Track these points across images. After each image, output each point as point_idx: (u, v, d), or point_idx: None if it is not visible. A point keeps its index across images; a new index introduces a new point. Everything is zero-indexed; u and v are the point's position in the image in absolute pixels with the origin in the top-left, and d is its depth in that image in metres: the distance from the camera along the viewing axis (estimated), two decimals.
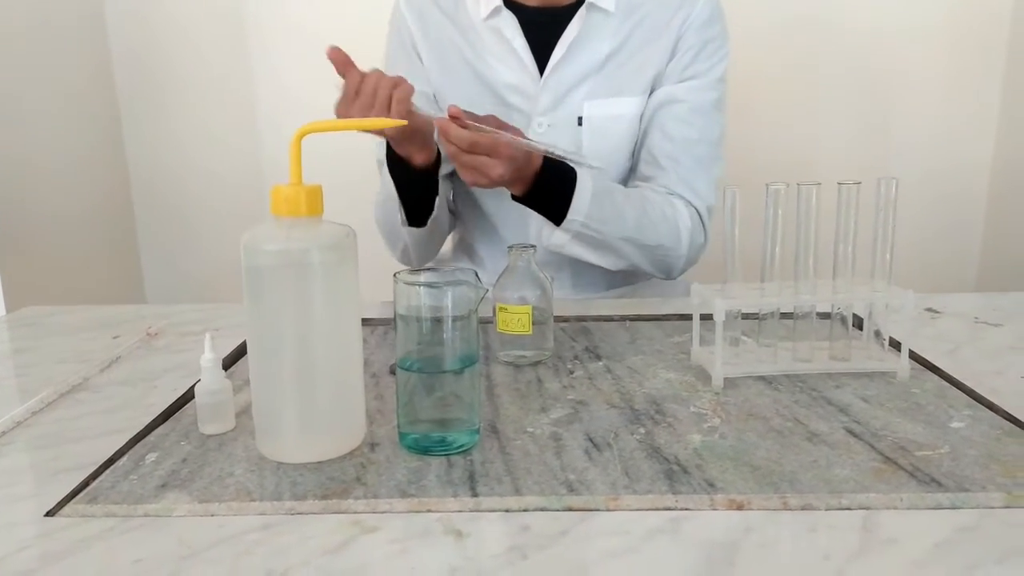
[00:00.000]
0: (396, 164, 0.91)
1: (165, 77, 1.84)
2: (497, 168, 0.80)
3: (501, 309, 0.75)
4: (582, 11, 0.99)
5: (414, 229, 0.98)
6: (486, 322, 0.86)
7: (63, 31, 1.67)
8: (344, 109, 0.82)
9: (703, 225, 1.01)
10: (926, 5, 1.79)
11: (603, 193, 0.91)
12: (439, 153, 0.91)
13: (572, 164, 0.87)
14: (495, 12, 1.00)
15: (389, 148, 0.90)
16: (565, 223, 0.89)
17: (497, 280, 0.76)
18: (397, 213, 0.97)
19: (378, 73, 0.81)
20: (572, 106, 1.01)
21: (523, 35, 1.00)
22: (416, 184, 0.94)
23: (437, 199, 0.96)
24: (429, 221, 0.97)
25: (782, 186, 0.68)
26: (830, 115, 1.84)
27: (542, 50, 1.00)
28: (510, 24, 1.00)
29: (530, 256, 0.76)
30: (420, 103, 0.85)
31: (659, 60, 1.01)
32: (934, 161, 1.87)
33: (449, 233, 1.09)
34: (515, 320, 0.74)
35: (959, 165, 1.88)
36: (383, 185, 0.98)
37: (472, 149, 0.79)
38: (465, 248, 1.16)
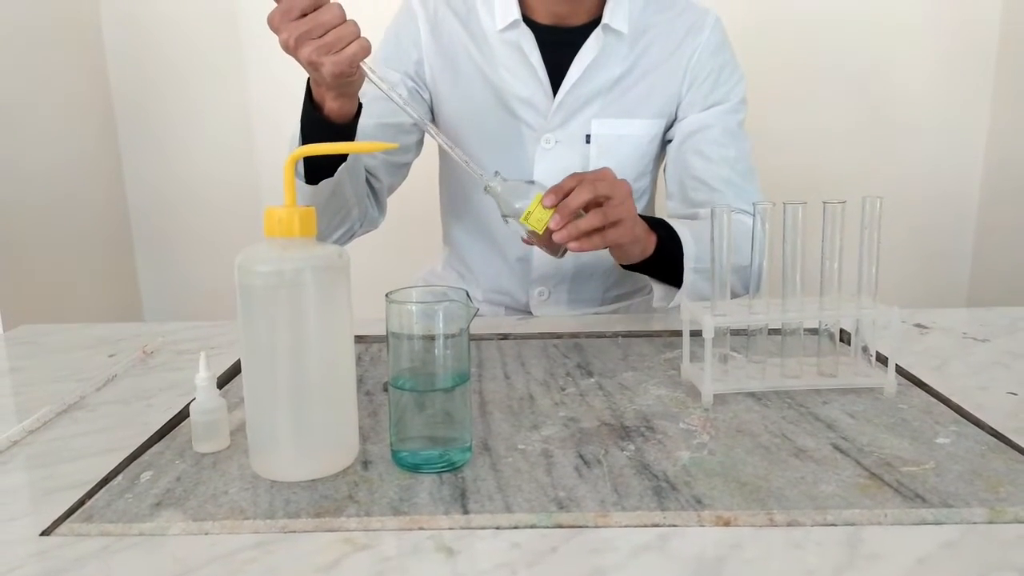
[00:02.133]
0: (310, 106, 0.85)
1: (162, 96, 1.85)
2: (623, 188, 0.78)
3: (527, 216, 0.76)
4: (598, 32, 1.00)
5: (303, 184, 0.89)
6: (477, 339, 0.87)
7: (59, 51, 1.68)
8: (281, 22, 0.74)
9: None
10: (918, 36, 1.81)
11: (695, 228, 0.92)
12: (356, 118, 0.86)
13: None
14: (512, 25, 1.01)
15: (310, 85, 0.84)
16: (686, 271, 0.89)
17: (500, 204, 0.78)
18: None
19: (340, 8, 0.74)
20: (581, 124, 1.03)
21: (539, 51, 1.01)
22: (316, 129, 0.85)
23: (341, 170, 0.89)
24: (322, 183, 0.88)
25: (769, 204, 0.69)
26: (826, 141, 1.87)
27: (553, 67, 1.02)
28: (528, 39, 1.01)
29: (501, 176, 0.78)
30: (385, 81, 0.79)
31: (668, 85, 1.04)
32: (925, 183, 1.89)
33: (361, 226, 1.01)
34: (548, 215, 0.76)
35: (950, 186, 1.90)
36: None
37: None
38: (457, 263, 1.17)
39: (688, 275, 0.90)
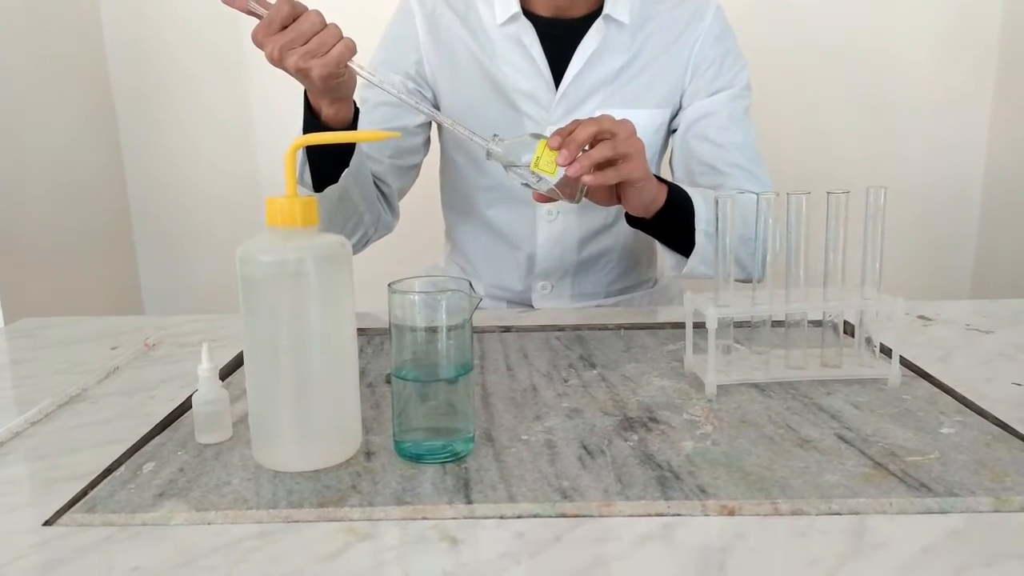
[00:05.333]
0: (309, 114, 0.86)
1: (162, 89, 1.85)
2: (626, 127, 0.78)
3: (536, 162, 0.76)
4: (599, 23, 1.00)
5: (309, 192, 0.90)
6: (479, 332, 0.87)
7: (59, 44, 1.68)
8: (264, 37, 0.75)
9: None
10: (919, 24, 1.81)
11: (706, 193, 0.92)
12: (355, 122, 0.87)
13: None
14: (513, 19, 1.01)
15: (307, 95, 0.85)
16: (697, 233, 0.89)
17: (507, 163, 0.78)
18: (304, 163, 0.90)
19: (319, 14, 0.76)
20: (584, 115, 1.02)
21: (540, 43, 1.01)
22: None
23: (346, 175, 0.89)
24: (328, 189, 0.89)
25: (772, 195, 0.69)
26: (828, 130, 1.86)
27: (555, 60, 1.02)
28: (528, 32, 1.01)
29: (499, 137, 0.78)
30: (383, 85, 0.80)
31: (671, 74, 1.03)
32: (928, 172, 1.88)
33: (375, 231, 1.02)
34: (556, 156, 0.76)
35: (952, 176, 1.89)
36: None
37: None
38: (459, 259, 1.17)
39: (699, 237, 0.89)
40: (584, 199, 0.81)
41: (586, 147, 0.76)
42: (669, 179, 1.13)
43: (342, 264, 0.56)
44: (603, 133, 0.76)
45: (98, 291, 1.78)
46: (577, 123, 0.76)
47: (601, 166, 0.76)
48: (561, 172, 0.75)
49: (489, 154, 0.78)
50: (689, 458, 0.56)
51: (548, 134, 0.77)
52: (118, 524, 0.50)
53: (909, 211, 1.87)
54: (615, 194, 0.84)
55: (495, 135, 0.79)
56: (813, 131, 1.85)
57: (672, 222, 0.89)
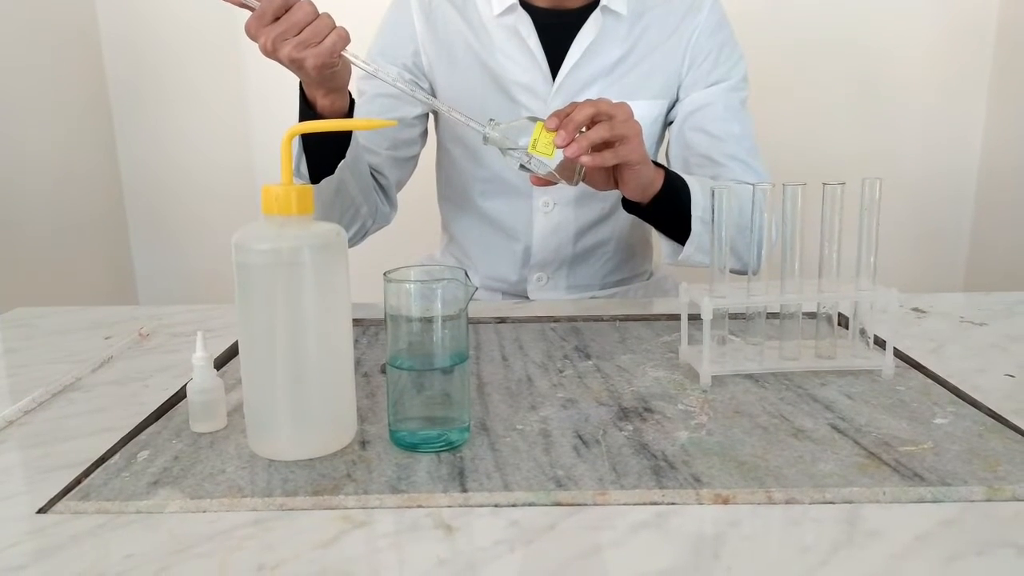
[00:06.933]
0: (305, 106, 0.86)
1: (157, 78, 1.84)
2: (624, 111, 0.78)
3: (533, 145, 0.76)
4: (597, 14, 1.00)
5: (303, 183, 0.88)
6: (474, 323, 0.86)
7: (54, 33, 1.67)
8: (257, 28, 0.75)
9: None
10: (916, 17, 1.81)
11: (703, 181, 0.92)
12: (351, 112, 0.87)
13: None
14: (509, 10, 1.00)
15: (302, 86, 0.85)
16: (694, 220, 0.88)
17: (504, 146, 0.77)
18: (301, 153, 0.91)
19: (312, 4, 0.76)
20: None
21: (537, 35, 1.01)
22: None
23: (342, 167, 0.89)
24: (324, 181, 0.89)
25: (768, 186, 0.69)
26: (824, 122, 1.86)
27: (552, 51, 1.01)
28: (525, 23, 1.00)
29: (495, 121, 0.78)
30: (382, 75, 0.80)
31: (668, 65, 1.03)
32: (924, 166, 1.89)
33: (373, 222, 1.02)
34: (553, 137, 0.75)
35: (948, 169, 1.90)
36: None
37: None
38: (455, 250, 1.17)
39: (695, 224, 0.89)
40: (582, 183, 0.81)
41: (584, 129, 0.76)
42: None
43: (338, 252, 0.56)
44: (600, 115, 0.76)
45: (92, 281, 1.77)
46: (574, 105, 0.76)
47: (599, 148, 0.76)
48: (559, 154, 0.75)
49: (486, 139, 0.78)
50: (684, 448, 0.57)
51: (545, 117, 0.77)
52: (112, 512, 0.50)
53: (904, 204, 1.87)
54: (612, 177, 0.84)
55: (491, 119, 0.78)
56: (809, 124, 1.85)
57: (669, 207, 0.89)
